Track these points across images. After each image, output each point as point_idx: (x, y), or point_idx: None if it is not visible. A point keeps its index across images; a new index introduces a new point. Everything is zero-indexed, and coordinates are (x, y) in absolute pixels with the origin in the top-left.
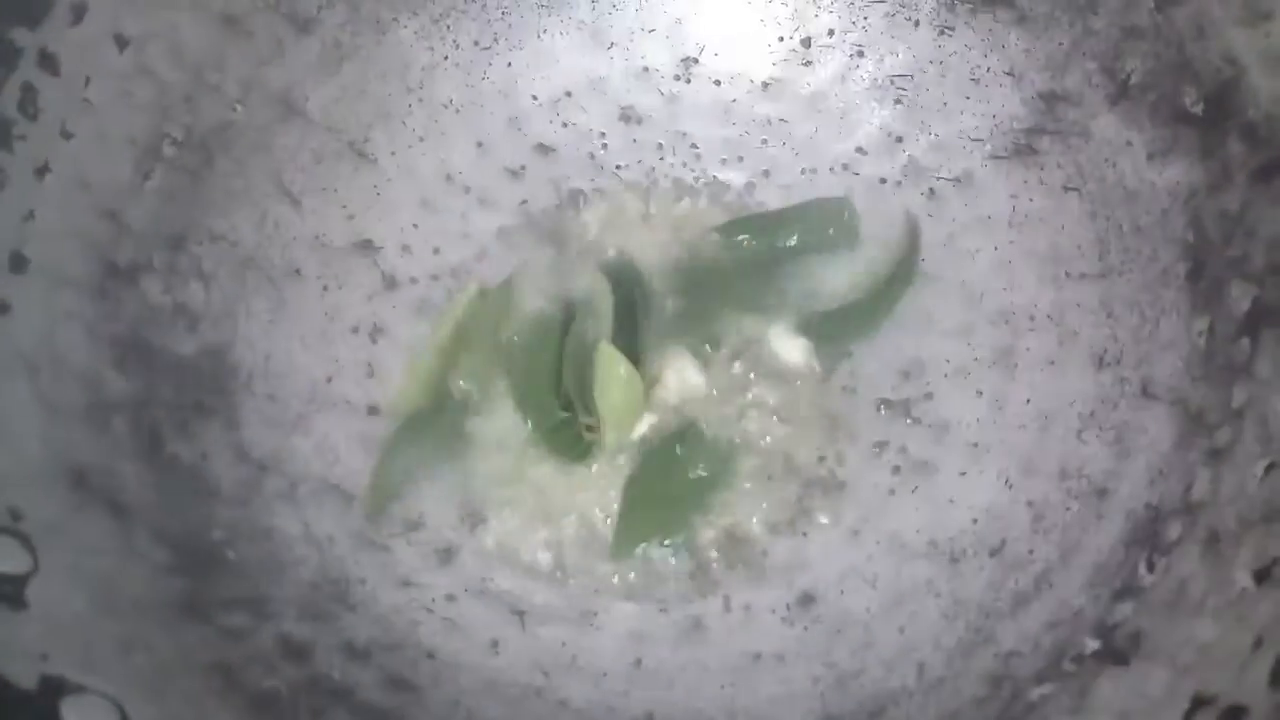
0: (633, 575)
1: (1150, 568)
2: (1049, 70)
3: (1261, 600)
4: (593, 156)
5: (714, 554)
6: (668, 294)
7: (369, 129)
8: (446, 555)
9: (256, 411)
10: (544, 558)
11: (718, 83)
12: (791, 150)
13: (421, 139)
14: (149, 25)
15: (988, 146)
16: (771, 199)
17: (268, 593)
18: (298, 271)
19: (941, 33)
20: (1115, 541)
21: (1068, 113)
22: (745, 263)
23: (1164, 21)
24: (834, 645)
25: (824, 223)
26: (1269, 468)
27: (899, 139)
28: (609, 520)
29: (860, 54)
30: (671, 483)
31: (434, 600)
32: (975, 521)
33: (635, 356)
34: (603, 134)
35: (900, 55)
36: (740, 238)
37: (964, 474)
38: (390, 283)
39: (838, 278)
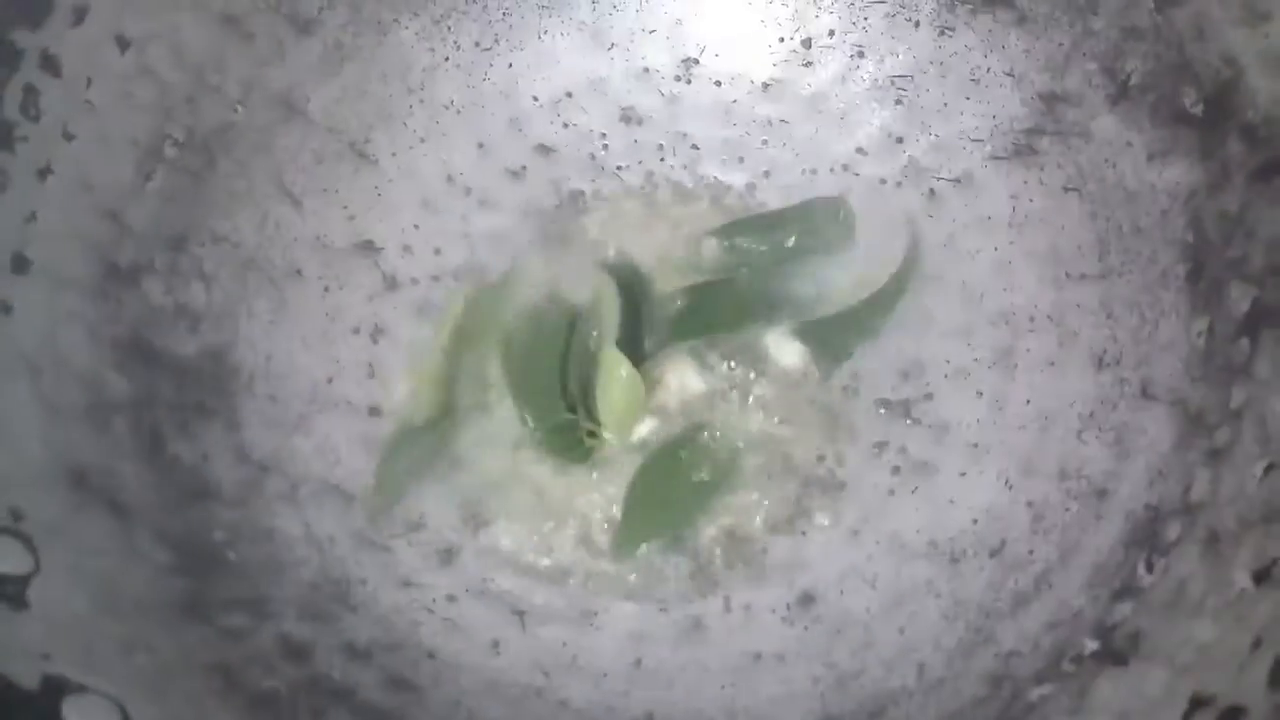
0: (633, 575)
1: (1149, 568)
2: (1049, 71)
3: (1260, 601)
4: (593, 157)
5: (714, 554)
6: (668, 297)
7: (370, 130)
8: (447, 556)
9: (257, 412)
10: (544, 558)
11: (718, 83)
12: (792, 151)
13: (422, 140)
14: (150, 26)
15: (988, 147)
16: (772, 200)
17: (268, 593)
18: (299, 272)
19: (942, 33)
20: (1115, 542)
21: (1068, 113)
22: (743, 267)
23: (1164, 22)
24: (834, 645)
25: (820, 223)
26: (1268, 468)
27: (899, 139)
28: (609, 521)
29: (860, 55)
30: (674, 485)
31: (435, 601)
32: (975, 522)
33: (637, 359)
34: (603, 135)
35: (900, 56)
36: (738, 240)
37: (964, 474)
38: (391, 283)
39: (837, 280)
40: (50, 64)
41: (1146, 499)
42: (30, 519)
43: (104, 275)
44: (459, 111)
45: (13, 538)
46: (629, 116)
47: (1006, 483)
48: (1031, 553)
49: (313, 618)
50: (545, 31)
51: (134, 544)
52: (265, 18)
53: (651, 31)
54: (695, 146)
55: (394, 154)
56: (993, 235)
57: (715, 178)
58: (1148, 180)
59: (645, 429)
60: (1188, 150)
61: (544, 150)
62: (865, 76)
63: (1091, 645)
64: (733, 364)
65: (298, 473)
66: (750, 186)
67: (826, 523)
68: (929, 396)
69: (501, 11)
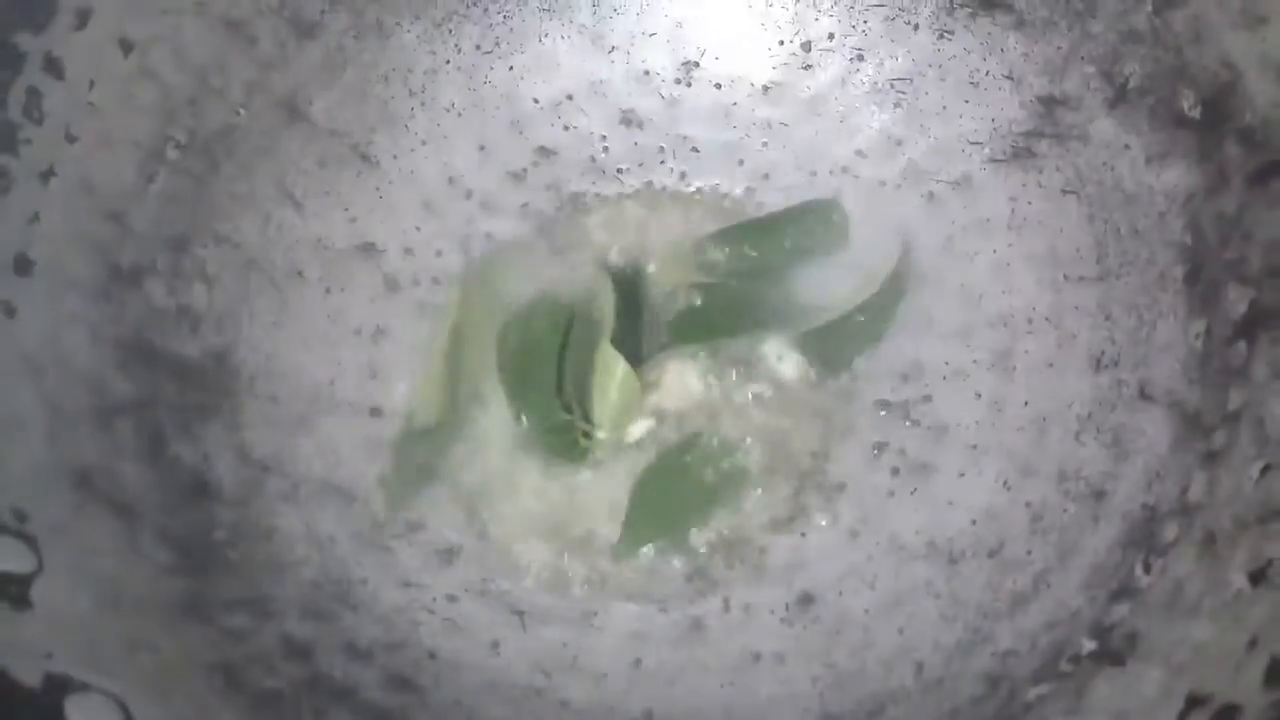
0: (633, 576)
1: (1147, 569)
2: (1047, 74)
3: (1256, 601)
4: (594, 160)
5: (714, 555)
6: (667, 299)
7: (371, 132)
8: (447, 556)
9: (259, 413)
10: (544, 558)
11: (718, 86)
12: (791, 153)
13: (424, 142)
14: (153, 29)
15: (987, 150)
16: (772, 202)
17: (270, 593)
18: (300, 274)
19: (940, 36)
20: (1112, 543)
21: (1066, 116)
22: (740, 272)
23: (1162, 26)
24: (833, 645)
25: (814, 225)
26: (1265, 469)
27: (898, 142)
28: (609, 521)
29: (860, 58)
30: (679, 490)
31: (435, 600)
32: (974, 523)
33: (635, 360)
34: (604, 137)
35: (899, 59)
36: (734, 245)
37: (963, 475)
38: (392, 285)
39: (834, 284)
40: (53, 66)
41: (1144, 500)
42: (33, 519)
43: (106, 276)
44: (460, 114)
45: (16, 537)
46: (629, 119)
47: (1005, 484)
48: (1030, 553)
49: (314, 617)
50: (546, 34)
51: (136, 544)
52: (268, 21)
53: (652, 35)
54: (695, 149)
55: (395, 156)
56: (991, 237)
57: (715, 180)
58: (1146, 183)
59: (642, 429)
60: (1186, 153)
61: (545, 152)
62: (864, 79)
63: (1089, 645)
64: (731, 364)
65: (299, 473)
66: (750, 189)
67: (825, 523)
68: (928, 398)
69: (502, 15)
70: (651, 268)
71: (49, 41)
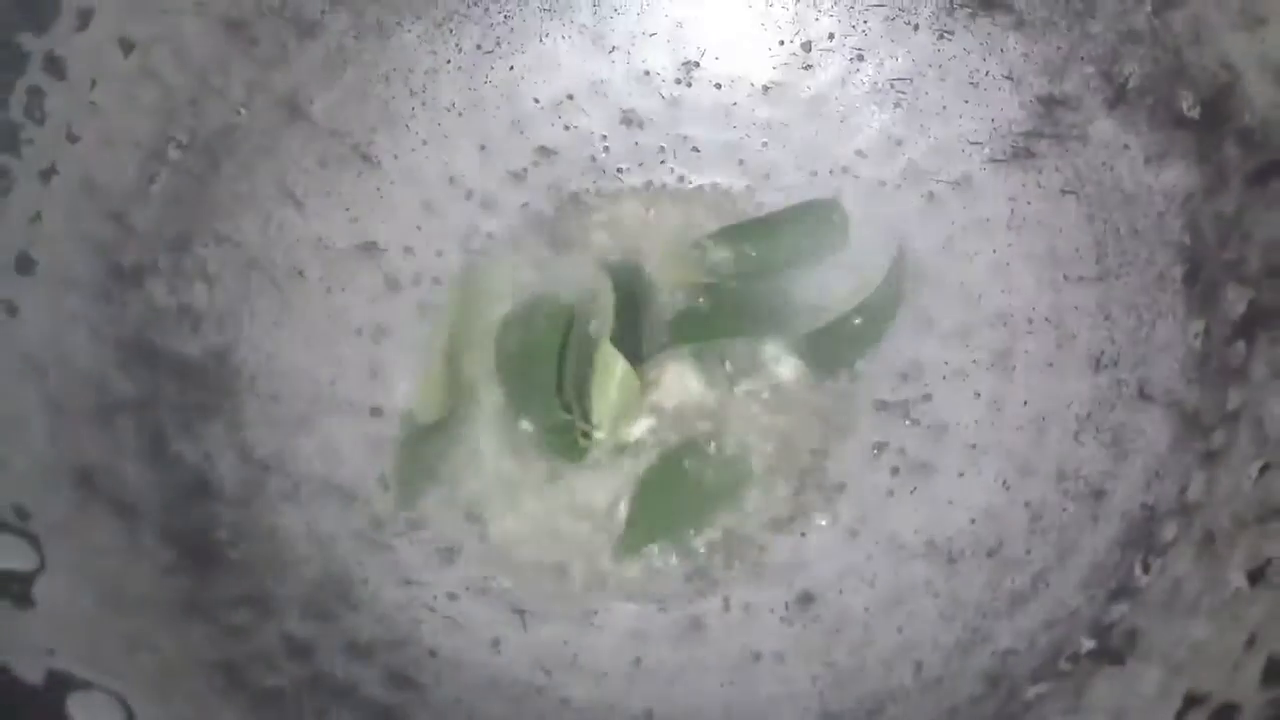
0: (633, 575)
1: (1146, 568)
2: (1047, 74)
3: (1255, 600)
4: (594, 159)
5: (713, 554)
6: (667, 300)
7: (372, 132)
8: (448, 554)
9: (260, 412)
10: (545, 557)
11: (718, 86)
12: (792, 153)
13: (424, 142)
14: (154, 30)
15: (986, 150)
16: (772, 202)
17: (271, 591)
18: (301, 273)
19: (940, 37)
20: (1111, 542)
21: (1066, 116)
22: (740, 272)
23: (1161, 26)
24: (833, 644)
25: (814, 225)
26: (1263, 469)
27: (899, 142)
28: (609, 520)
29: (860, 58)
30: (682, 492)
31: (436, 599)
32: (973, 522)
33: (635, 359)
34: (604, 137)
35: (900, 59)
36: (733, 245)
37: (962, 475)
38: (393, 284)
39: (834, 286)
40: (55, 66)
41: (1143, 499)
42: (36, 517)
43: (108, 276)
44: (461, 114)
45: (18, 536)
46: (630, 119)
47: (1004, 483)
48: (1029, 553)
49: (315, 616)
50: (546, 34)
51: (138, 542)
52: (269, 21)
53: (652, 35)
54: (695, 149)
55: (396, 156)
56: (991, 237)
57: (715, 180)
58: (1145, 183)
59: (643, 428)
60: (1185, 153)
61: (545, 152)
62: (864, 79)
63: (1088, 644)
64: (731, 364)
65: (300, 472)
66: (750, 189)
67: (825, 523)
68: (927, 397)
69: (503, 15)
70: (651, 267)
71: (51, 41)
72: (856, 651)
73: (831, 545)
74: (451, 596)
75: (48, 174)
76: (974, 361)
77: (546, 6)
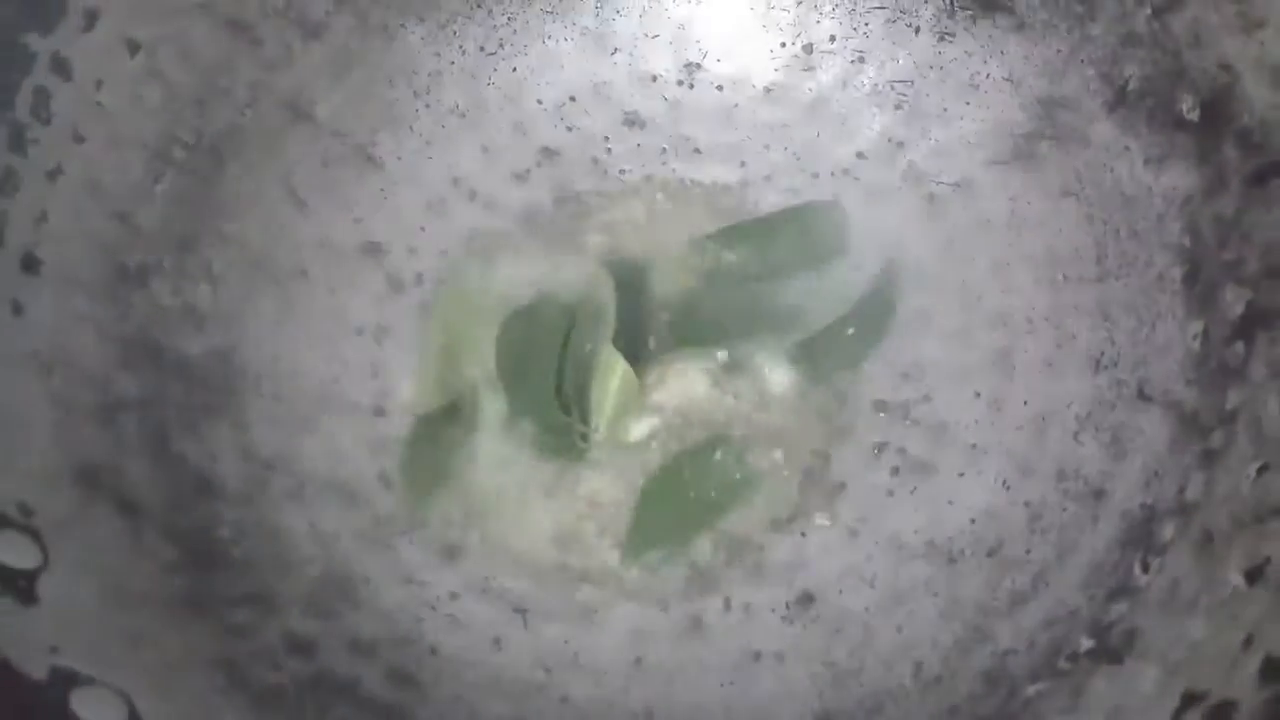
0: (634, 574)
1: (1145, 568)
2: (1047, 76)
3: (1252, 599)
4: (596, 160)
5: (714, 554)
6: (668, 301)
7: (376, 133)
8: (450, 554)
9: (263, 412)
10: (546, 556)
11: (720, 88)
12: (793, 154)
13: (428, 143)
14: (160, 31)
15: (987, 151)
16: (773, 203)
17: (273, 589)
18: (305, 273)
19: (941, 39)
20: (1110, 542)
21: (1066, 118)
22: (740, 275)
23: (1161, 29)
24: (833, 644)
25: (813, 228)
26: (1262, 469)
27: (899, 144)
28: (610, 519)
29: (861, 60)
30: (687, 498)
31: (438, 598)
32: (973, 522)
33: (635, 360)
34: (606, 138)
35: (901, 61)
36: (733, 246)
37: (962, 475)
38: (396, 285)
39: (833, 287)
40: (61, 67)
41: (1142, 499)
42: (40, 514)
43: (113, 276)
44: (464, 115)
45: (23, 533)
46: (632, 120)
47: (1004, 483)
48: (1028, 552)
49: (317, 614)
50: (549, 36)
51: (141, 540)
52: (273, 23)
53: (655, 36)
54: (697, 150)
55: (399, 157)
56: (991, 238)
57: (717, 181)
58: (1145, 185)
59: (644, 428)
60: (1184, 155)
61: (548, 153)
62: (865, 81)
63: (1087, 643)
64: (732, 364)
65: (303, 471)
66: (751, 190)
67: (826, 523)
68: (928, 398)
69: (506, 16)
70: (653, 268)
71: (57, 42)
72: (856, 651)
73: (832, 545)
74: (453, 595)
75: (54, 174)
76: (974, 362)
77: (549, 8)
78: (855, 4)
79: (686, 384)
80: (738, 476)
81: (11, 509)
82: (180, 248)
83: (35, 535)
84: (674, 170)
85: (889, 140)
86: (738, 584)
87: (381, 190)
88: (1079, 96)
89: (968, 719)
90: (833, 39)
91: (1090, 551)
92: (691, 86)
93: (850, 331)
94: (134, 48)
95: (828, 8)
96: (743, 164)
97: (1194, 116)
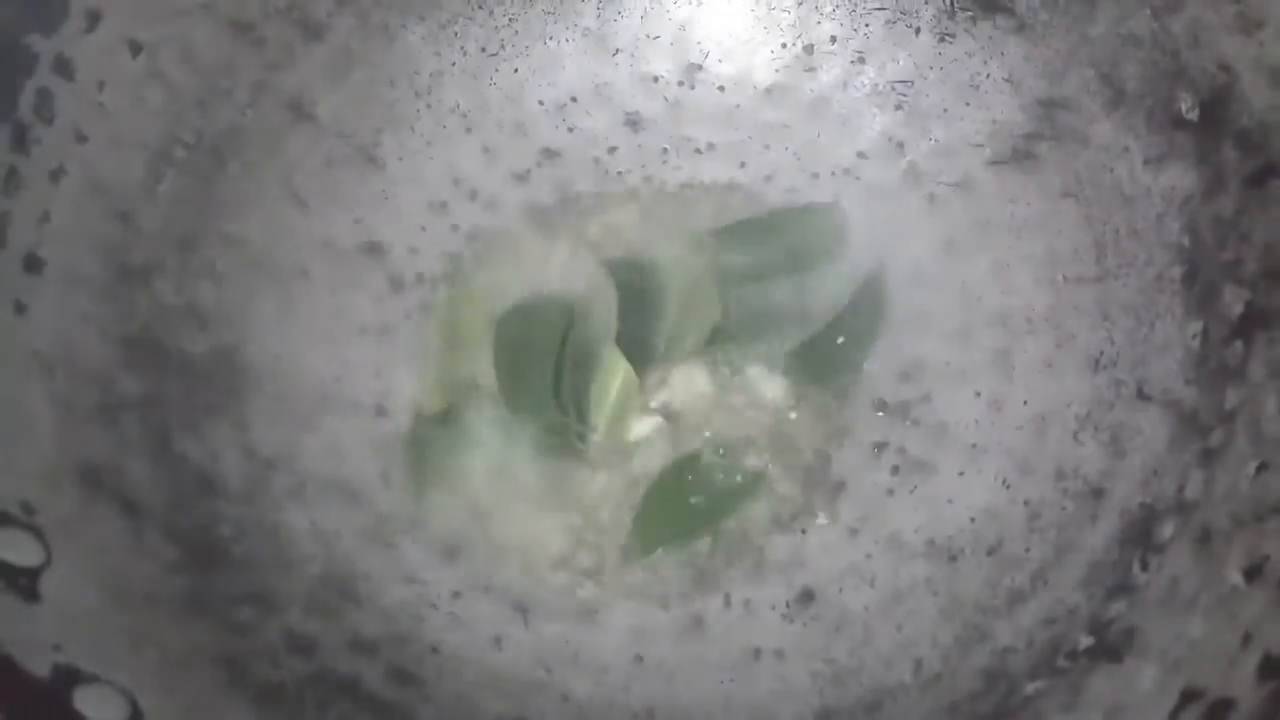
0: (634, 573)
1: (1144, 566)
2: (1047, 77)
3: (1251, 597)
4: (598, 161)
5: (714, 552)
6: (669, 301)
7: (377, 134)
8: (451, 552)
9: (265, 411)
10: (546, 555)
11: (721, 88)
12: (794, 155)
13: (429, 143)
14: (162, 31)
15: (987, 152)
16: (774, 203)
17: (275, 588)
18: (306, 273)
19: (941, 40)
20: (1110, 540)
21: (1066, 119)
22: (740, 276)
23: (1160, 30)
24: (832, 642)
25: (813, 229)
26: (1260, 468)
27: (900, 144)
28: (611, 519)
29: (862, 60)
30: (690, 501)
31: (439, 596)
32: (973, 521)
33: (636, 360)
34: (608, 139)
35: (901, 62)
36: (733, 246)
37: (962, 474)
38: (397, 285)
39: (832, 288)
40: (64, 68)
41: (1141, 498)
42: (42, 513)
43: (115, 275)
44: (465, 115)
45: (25, 531)
46: (633, 121)
47: (1004, 482)
48: (1028, 551)
49: (318, 612)
50: (550, 37)
51: (143, 539)
52: (275, 23)
53: (656, 37)
54: (698, 150)
55: (401, 158)
56: (991, 238)
57: (718, 181)
58: (1144, 185)
59: (645, 428)
60: (1183, 155)
61: (549, 154)
62: (866, 82)
63: (1086, 641)
64: (732, 364)
65: (304, 470)
66: (752, 190)
67: (826, 521)
68: (928, 397)
69: (507, 17)
70: (654, 269)
71: (60, 43)
72: (856, 649)
73: (832, 544)
74: (454, 594)
75: (57, 174)
76: (974, 362)
77: (550, 9)
78: (856, 5)
79: (687, 384)
80: (738, 479)
81: (14, 507)
82: (182, 248)
83: (38, 533)
84: (675, 171)
85: (889, 140)
86: (738, 582)
87: (383, 190)
88: (1079, 97)
89: (967, 717)
90: (833, 40)
91: (1089, 550)
92: (692, 87)
93: (839, 341)
94: (136, 48)
95: (828, 9)
96: (743, 164)
97: (1193, 117)
